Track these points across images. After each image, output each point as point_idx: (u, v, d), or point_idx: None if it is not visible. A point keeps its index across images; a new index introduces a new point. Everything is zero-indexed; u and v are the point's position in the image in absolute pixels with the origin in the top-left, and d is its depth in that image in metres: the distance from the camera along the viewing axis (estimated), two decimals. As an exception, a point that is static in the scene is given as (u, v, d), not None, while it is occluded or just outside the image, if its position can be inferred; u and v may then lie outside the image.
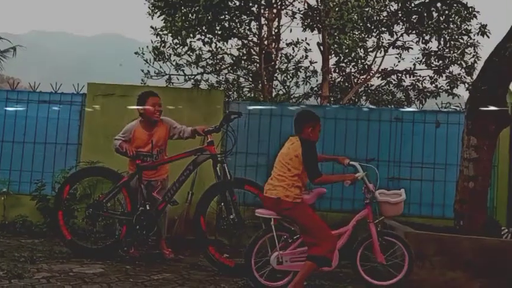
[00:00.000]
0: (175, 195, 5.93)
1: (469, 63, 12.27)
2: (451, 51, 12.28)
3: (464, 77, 12.52)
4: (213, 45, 12.44)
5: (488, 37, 11.49)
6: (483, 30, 11.53)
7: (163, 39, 12.68)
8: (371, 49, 12.61)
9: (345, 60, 12.87)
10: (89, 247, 6.15)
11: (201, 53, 12.81)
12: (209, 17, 10.31)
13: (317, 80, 13.50)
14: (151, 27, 12.63)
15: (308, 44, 12.90)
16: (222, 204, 5.82)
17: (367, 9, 11.47)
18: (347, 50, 11.55)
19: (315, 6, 11.76)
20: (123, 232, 5.93)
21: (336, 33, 11.52)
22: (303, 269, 4.74)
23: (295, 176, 4.77)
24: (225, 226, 5.62)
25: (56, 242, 6.49)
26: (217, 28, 11.24)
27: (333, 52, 12.70)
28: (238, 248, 6.37)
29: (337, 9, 11.02)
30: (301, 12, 12.16)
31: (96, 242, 6.43)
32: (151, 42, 12.85)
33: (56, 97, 7.97)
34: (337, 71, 13.53)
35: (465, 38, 12.01)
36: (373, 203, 5.06)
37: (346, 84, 13.47)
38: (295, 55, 13.16)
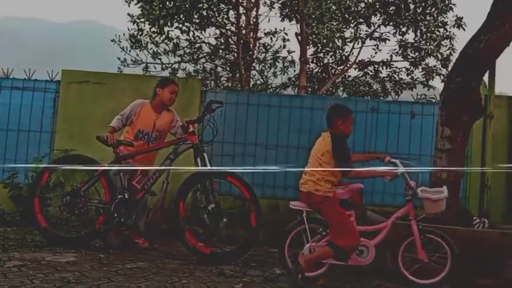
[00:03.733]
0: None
1: (445, 56, 12.41)
2: (427, 43, 12.40)
3: (440, 69, 12.67)
4: (191, 34, 12.39)
5: (464, 30, 11.62)
6: (459, 23, 11.66)
7: (140, 27, 12.56)
8: (349, 40, 12.66)
9: (323, 51, 12.90)
10: (63, 235, 6.09)
11: (178, 41, 12.72)
12: (187, 6, 10.27)
13: (295, 70, 13.53)
14: (128, 14, 12.49)
15: (286, 34, 12.95)
16: (198, 193, 5.80)
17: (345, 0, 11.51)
18: (325, 40, 11.58)
19: (294, -4, 11.77)
20: (99, 221, 5.88)
21: (314, 24, 11.53)
22: (319, 251, 4.79)
23: (326, 171, 4.80)
24: (204, 215, 5.59)
25: (29, 230, 6.40)
26: (195, 17, 11.20)
27: (310, 42, 12.75)
28: (213, 237, 6.40)
29: (315, -1, 11.04)
30: (280, 2, 12.15)
31: (71, 231, 6.37)
32: (128, 29, 12.72)
33: (29, 84, 7.83)
34: (314, 61, 13.57)
35: (441, 30, 12.14)
36: (414, 200, 4.96)
37: (324, 74, 13.53)
38: (273, 45, 13.20)
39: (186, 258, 5.58)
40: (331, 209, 4.79)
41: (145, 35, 12.72)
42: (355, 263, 4.86)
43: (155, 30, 12.01)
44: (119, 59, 13.04)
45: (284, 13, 12.18)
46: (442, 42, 12.35)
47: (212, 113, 5.87)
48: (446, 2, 11.30)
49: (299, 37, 12.41)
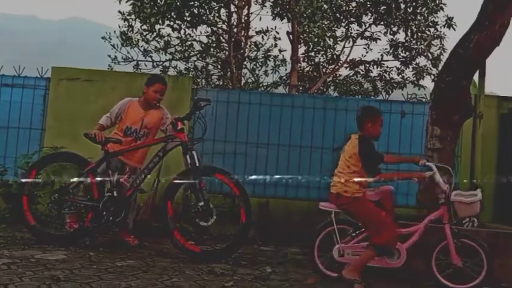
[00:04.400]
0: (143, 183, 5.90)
1: (435, 55, 12.47)
2: (418, 43, 12.45)
3: (430, 69, 12.72)
4: (182, 31, 12.35)
5: (454, 29, 11.69)
6: (449, 23, 11.72)
7: (131, 24, 12.51)
8: (340, 39, 12.69)
9: (314, 50, 12.92)
10: (52, 233, 6.06)
11: (169, 39, 12.68)
12: (178, 3, 10.24)
13: (286, 69, 13.53)
14: (119, 11, 12.44)
15: (277, 32, 12.93)
16: (189, 191, 5.79)
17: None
18: (316, 39, 11.60)
19: (285, -5, 11.77)
20: (88, 218, 5.85)
21: (305, 22, 11.54)
22: (361, 256, 4.78)
23: (354, 173, 4.82)
24: (193, 213, 5.58)
25: (18, 228, 6.37)
26: (187, 15, 11.18)
27: (302, 41, 12.76)
28: (204, 235, 6.40)
29: (307, -3, 11.04)
30: (271, 1, 12.14)
31: (60, 228, 6.34)
32: (119, 27, 12.67)
33: (19, 81, 7.78)
34: (306, 60, 13.59)
35: (432, 30, 12.20)
36: (448, 203, 4.89)
37: (315, 73, 13.55)
38: (265, 43, 13.18)
39: (177, 257, 5.57)
40: (361, 208, 4.82)
41: (136, 33, 12.67)
42: (386, 266, 4.84)
43: (146, 27, 11.97)
44: (109, 56, 12.98)
45: (275, 12, 12.16)
46: (433, 42, 12.41)
47: (200, 111, 5.86)
48: (437, 2, 11.35)
49: (290, 36, 12.41)
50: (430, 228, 4.92)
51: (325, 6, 11.10)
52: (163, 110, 6.19)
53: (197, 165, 5.62)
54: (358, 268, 4.73)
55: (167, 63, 13.24)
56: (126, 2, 11.26)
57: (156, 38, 12.54)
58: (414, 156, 5.55)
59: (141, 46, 12.84)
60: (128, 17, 12.25)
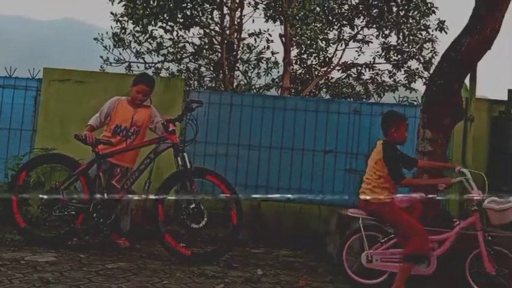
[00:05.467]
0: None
1: (427, 58, 12.54)
2: (410, 46, 12.51)
3: (422, 72, 12.79)
4: (175, 33, 12.33)
5: (446, 33, 11.73)
6: (441, 26, 11.77)
7: (123, 25, 12.47)
8: (332, 41, 12.73)
9: (307, 52, 12.96)
10: (43, 235, 6.02)
11: (162, 40, 12.66)
12: (171, 5, 10.23)
13: (278, 71, 13.54)
14: (112, 13, 12.40)
15: (270, 35, 12.93)
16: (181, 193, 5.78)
17: (329, 1, 11.56)
18: (308, 42, 11.62)
19: (278, -3, 11.78)
20: (79, 220, 5.82)
21: (298, 25, 11.56)
22: (400, 272, 4.73)
23: (381, 178, 4.83)
24: (184, 216, 5.57)
25: (8, 229, 6.31)
26: (179, 16, 11.16)
27: (294, 44, 12.79)
28: (196, 238, 6.38)
29: (299, 0, 11.06)
30: (264, 3, 12.15)
31: (51, 230, 6.30)
32: (111, 28, 12.62)
33: (10, 82, 7.73)
34: (298, 62, 13.61)
35: (423, 33, 12.26)
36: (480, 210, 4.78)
37: (307, 76, 13.58)
38: (257, 46, 13.16)
39: (168, 259, 5.55)
40: (390, 213, 4.81)
41: (128, 34, 12.63)
42: (416, 273, 4.78)
43: (139, 29, 11.93)
44: (101, 57, 12.94)
45: (268, 14, 12.17)
46: (424, 45, 12.48)
47: (191, 112, 5.85)
48: (429, 5, 11.40)
49: (283, 38, 12.43)
50: (463, 236, 4.84)
51: (317, 8, 11.13)
52: (152, 109, 6.18)
53: (188, 167, 5.61)
54: (401, 285, 4.68)
55: (159, 65, 13.21)
56: (119, 3, 11.23)
57: (149, 40, 12.51)
58: (449, 162, 5.46)
59: (133, 47, 12.81)
60: (121, 19, 12.21)
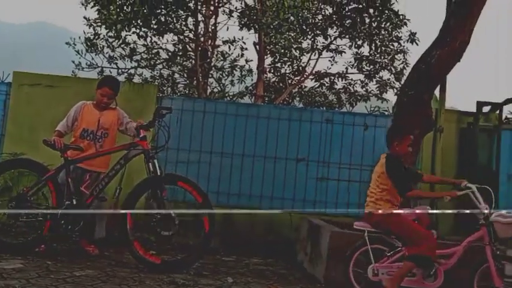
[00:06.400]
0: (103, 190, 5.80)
1: (399, 69, 12.69)
2: (382, 57, 12.65)
3: (394, 82, 12.93)
4: (148, 39, 12.25)
5: (417, 44, 11.89)
6: (412, 38, 11.92)
7: (96, 31, 12.34)
8: (306, 51, 12.82)
9: (280, 61, 13.01)
10: (9, 242, 5.90)
11: (135, 46, 12.56)
12: (145, 11, 10.16)
13: (252, 79, 13.56)
14: (85, 17, 12.26)
15: (244, 43, 12.93)
16: (152, 200, 5.73)
17: (303, 11, 11.64)
18: (282, 50, 11.67)
19: (252, 6, 11.82)
20: (46, 227, 5.72)
21: (272, 33, 11.61)
22: (400, 268, 4.74)
23: (384, 191, 4.87)
24: (154, 223, 5.51)
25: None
26: (153, 22, 11.09)
27: (268, 52, 12.83)
28: (166, 245, 6.33)
29: (274, 8, 11.12)
30: (238, 11, 12.18)
31: (17, 237, 6.18)
32: (84, 33, 12.47)
33: (-22, 85, 7.60)
34: (272, 71, 13.66)
35: (395, 44, 12.40)
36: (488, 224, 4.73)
37: (281, 84, 13.62)
38: (231, 53, 13.16)
39: (137, 266, 5.49)
40: (394, 222, 4.83)
41: (101, 39, 12.50)
42: (423, 287, 4.78)
43: (112, 34, 11.82)
44: (73, 62, 12.77)
45: (243, 22, 12.19)
46: (396, 56, 12.63)
47: (162, 119, 5.82)
48: (401, 17, 11.54)
49: (257, 46, 12.47)
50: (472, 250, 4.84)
51: (291, 18, 11.18)
52: (119, 111, 6.15)
53: (159, 173, 5.57)
54: (397, 279, 4.72)
55: (132, 71, 13.10)
56: (92, 7, 11.12)
57: (122, 45, 12.39)
58: (456, 178, 5.45)
59: (106, 53, 12.66)
60: (94, 24, 12.08)
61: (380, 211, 4.82)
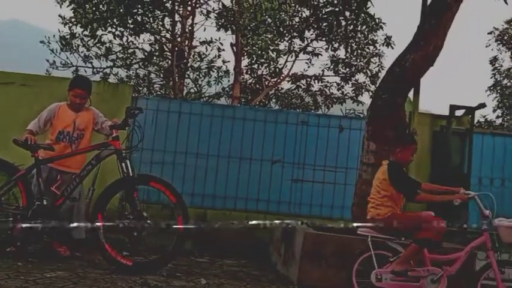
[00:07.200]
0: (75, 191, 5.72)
1: (374, 72, 12.87)
2: (358, 60, 12.80)
3: (369, 85, 13.10)
4: (125, 39, 12.18)
5: (392, 48, 12.05)
6: (388, 42, 12.09)
7: (72, 30, 12.20)
8: (283, 52, 12.88)
9: (257, 62, 13.05)
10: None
11: (111, 46, 12.46)
12: (121, 10, 10.11)
13: (229, 81, 13.57)
14: (60, 16, 12.14)
15: (221, 43, 12.95)
16: (124, 201, 5.68)
17: (280, 13, 11.69)
18: (259, 52, 11.71)
19: (230, 7, 11.83)
20: (17, 227, 5.62)
21: (249, 35, 11.65)
22: (407, 250, 4.74)
23: (385, 197, 4.89)
24: (126, 224, 5.45)
25: None
26: (130, 22, 11.03)
27: (245, 53, 12.86)
28: (139, 246, 6.27)
29: (251, 10, 11.15)
30: (216, 12, 12.18)
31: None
32: (59, 31, 12.33)
33: (-51, 83, 7.45)
34: (249, 72, 13.69)
35: (371, 47, 12.57)
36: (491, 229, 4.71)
37: (258, 86, 13.67)
38: (208, 54, 13.16)
39: (109, 268, 5.42)
40: (398, 218, 4.82)
41: (76, 38, 12.37)
42: None
43: (87, 33, 11.71)
44: (47, 61, 12.62)
45: (220, 23, 12.21)
46: (372, 60, 12.81)
47: (134, 119, 5.77)
48: (377, 20, 11.68)
49: (234, 47, 12.50)
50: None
51: (269, 20, 11.24)
52: (94, 111, 6.07)
53: (131, 174, 5.51)
54: (404, 260, 4.72)
55: (108, 70, 13.00)
56: (67, 6, 11.02)
57: (97, 44, 12.28)
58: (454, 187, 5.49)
59: (82, 52, 12.55)
60: (69, 22, 11.95)
61: (380, 216, 4.84)
